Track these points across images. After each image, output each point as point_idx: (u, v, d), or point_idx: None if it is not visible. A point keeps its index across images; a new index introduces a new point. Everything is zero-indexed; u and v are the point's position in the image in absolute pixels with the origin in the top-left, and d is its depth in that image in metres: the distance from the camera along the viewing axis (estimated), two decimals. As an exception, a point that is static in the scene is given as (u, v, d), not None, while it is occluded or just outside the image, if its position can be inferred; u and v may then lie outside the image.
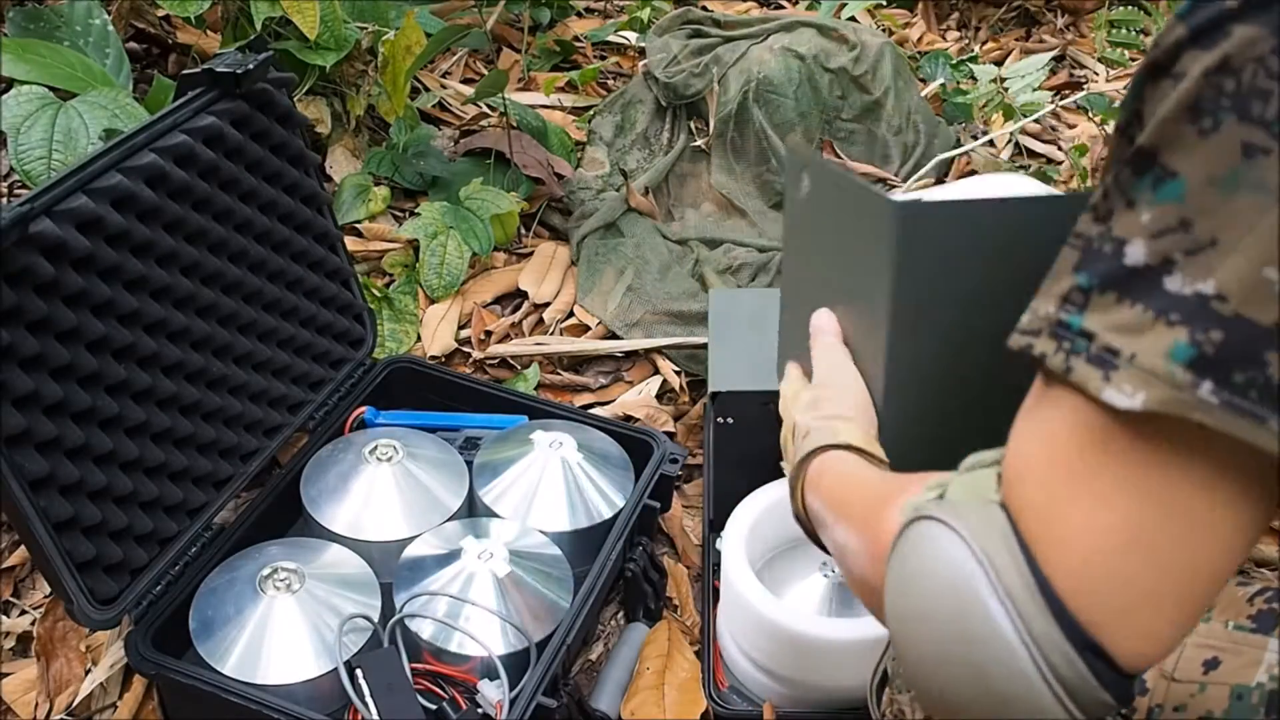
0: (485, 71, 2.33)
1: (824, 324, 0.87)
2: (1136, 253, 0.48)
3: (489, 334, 1.73)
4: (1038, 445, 0.53)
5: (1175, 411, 0.46)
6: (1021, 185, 0.99)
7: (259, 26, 1.66)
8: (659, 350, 1.70)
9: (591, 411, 1.54)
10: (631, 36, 2.52)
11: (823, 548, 0.83)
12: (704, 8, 2.46)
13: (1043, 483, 0.52)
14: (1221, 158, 0.45)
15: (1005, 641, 0.51)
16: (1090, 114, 2.34)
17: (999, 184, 1.10)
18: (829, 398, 0.83)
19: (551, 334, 1.75)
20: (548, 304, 1.80)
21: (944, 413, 0.81)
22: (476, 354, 1.69)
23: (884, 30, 2.60)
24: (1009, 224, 0.74)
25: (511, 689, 1.09)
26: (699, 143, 2.06)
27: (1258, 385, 0.45)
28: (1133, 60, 2.50)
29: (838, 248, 0.86)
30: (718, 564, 1.28)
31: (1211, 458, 0.48)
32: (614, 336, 1.73)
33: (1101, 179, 0.52)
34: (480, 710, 1.10)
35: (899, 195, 1.14)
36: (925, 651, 0.56)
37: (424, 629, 1.14)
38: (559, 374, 1.68)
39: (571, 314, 1.79)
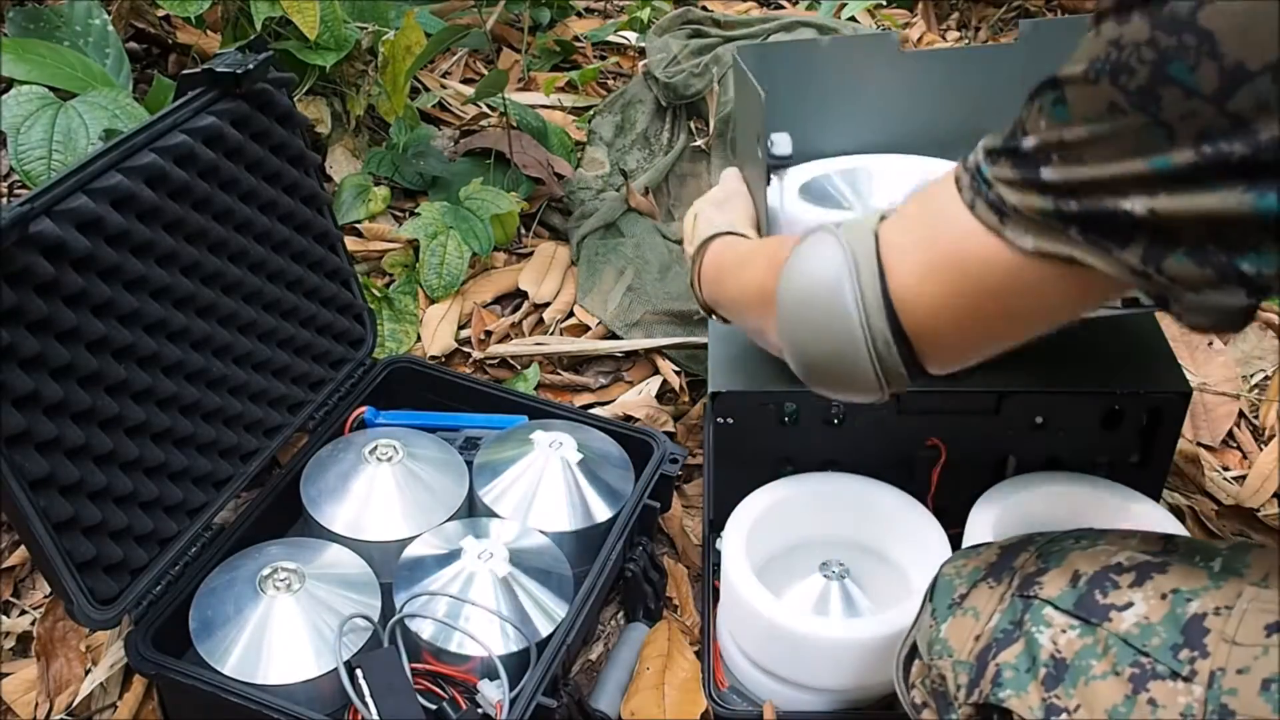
0: (485, 71, 2.33)
1: (732, 170, 1.30)
2: (1030, 143, 0.66)
3: (489, 334, 1.73)
4: (924, 223, 0.74)
5: (1054, 250, 0.66)
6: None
7: (259, 27, 1.66)
8: (659, 350, 1.70)
9: (591, 411, 1.54)
10: (631, 36, 2.51)
11: (710, 311, 1.11)
12: (704, 8, 2.46)
13: (912, 248, 0.74)
14: (1094, 105, 0.62)
15: (850, 320, 0.75)
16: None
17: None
18: (732, 205, 1.19)
19: (551, 334, 1.75)
20: (548, 304, 1.80)
21: None
22: (476, 354, 1.69)
23: (884, 30, 2.60)
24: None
25: (511, 689, 1.09)
26: (699, 143, 2.06)
27: (1109, 229, 0.63)
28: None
29: (744, 125, 1.21)
30: (718, 564, 1.28)
31: (1048, 269, 0.68)
32: (614, 336, 1.73)
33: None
34: (480, 710, 1.10)
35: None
36: (799, 324, 0.80)
37: (424, 629, 1.14)
38: (559, 374, 1.68)
39: (571, 314, 1.79)
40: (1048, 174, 0.65)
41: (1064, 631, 0.79)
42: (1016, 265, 0.69)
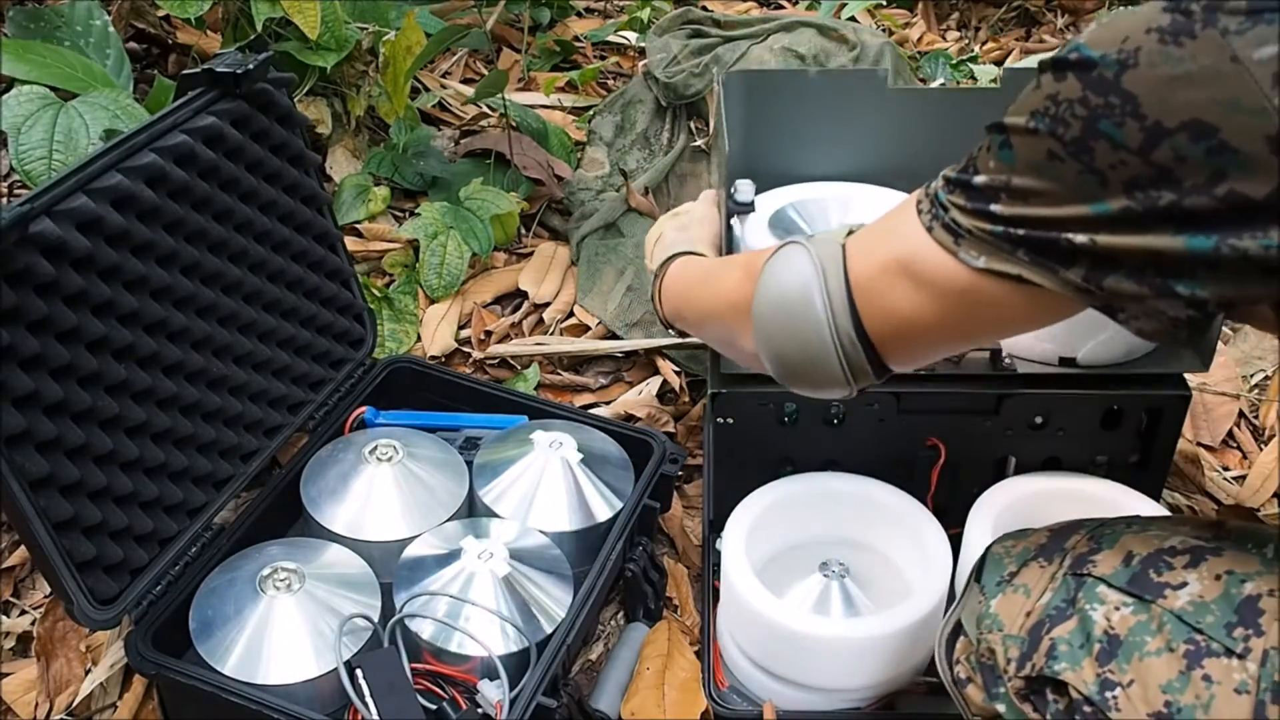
0: (485, 71, 2.33)
1: (710, 192, 1.35)
2: (980, 180, 0.73)
3: (489, 334, 1.73)
4: (880, 243, 0.81)
5: (1003, 269, 0.72)
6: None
7: (259, 27, 1.66)
8: (659, 350, 1.70)
9: (591, 411, 1.54)
10: (631, 36, 2.52)
11: (668, 325, 1.17)
12: (704, 8, 2.46)
13: (874, 263, 0.80)
14: (1035, 153, 0.69)
15: (820, 322, 0.82)
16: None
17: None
18: (699, 228, 1.25)
19: (551, 334, 1.75)
20: (548, 304, 1.80)
21: None
22: (476, 354, 1.69)
23: (884, 30, 2.60)
24: None
25: (511, 689, 1.09)
26: (699, 143, 2.06)
27: (1055, 253, 0.70)
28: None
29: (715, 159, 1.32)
30: (718, 564, 1.28)
31: (997, 287, 0.74)
32: (614, 336, 1.73)
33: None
34: (480, 710, 1.10)
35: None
36: (774, 327, 0.86)
37: (424, 629, 1.14)
38: (559, 374, 1.68)
39: (571, 314, 1.79)
40: (997, 209, 0.72)
41: (1118, 609, 0.80)
42: (968, 281, 0.75)
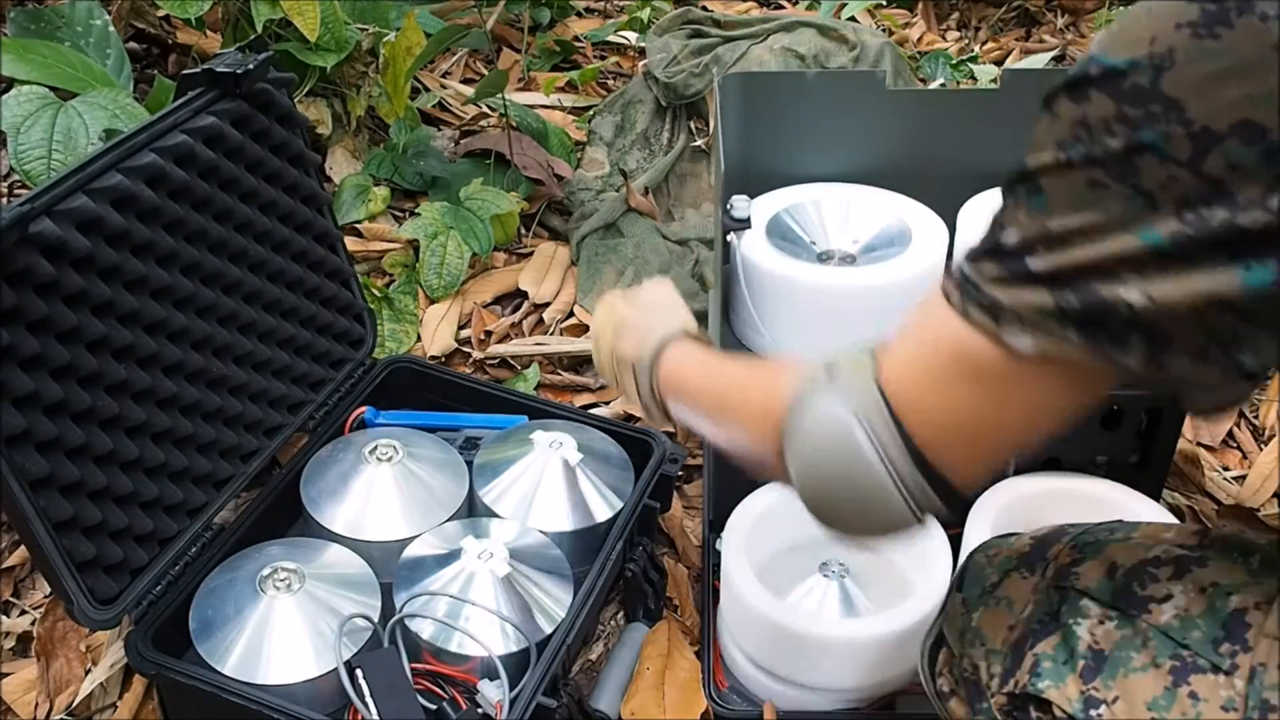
0: (485, 71, 2.33)
1: (663, 279, 1.14)
2: (1012, 238, 0.65)
3: (489, 334, 1.73)
4: (917, 348, 0.73)
5: (1055, 353, 0.64)
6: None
7: (259, 28, 1.66)
8: (659, 350, 1.70)
9: (591, 411, 1.54)
10: (631, 36, 2.52)
11: (670, 421, 1.02)
12: (704, 8, 2.46)
13: (919, 378, 0.71)
14: (1073, 187, 0.62)
15: (879, 476, 0.73)
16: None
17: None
18: (670, 308, 1.05)
19: (551, 334, 1.75)
20: (548, 304, 1.80)
21: None
22: (476, 354, 1.69)
23: (884, 30, 2.60)
24: None
25: (511, 689, 1.09)
26: (699, 143, 2.06)
27: (1108, 328, 0.62)
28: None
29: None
30: (718, 564, 1.28)
31: (1050, 371, 0.66)
32: (614, 336, 1.73)
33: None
34: (480, 710, 1.10)
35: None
36: (819, 487, 0.78)
37: (424, 629, 1.14)
38: (559, 374, 1.68)
39: (571, 314, 1.79)
40: (1035, 264, 0.64)
41: (1102, 623, 0.79)
42: (1018, 367, 0.67)
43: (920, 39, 2.73)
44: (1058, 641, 0.80)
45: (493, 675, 1.10)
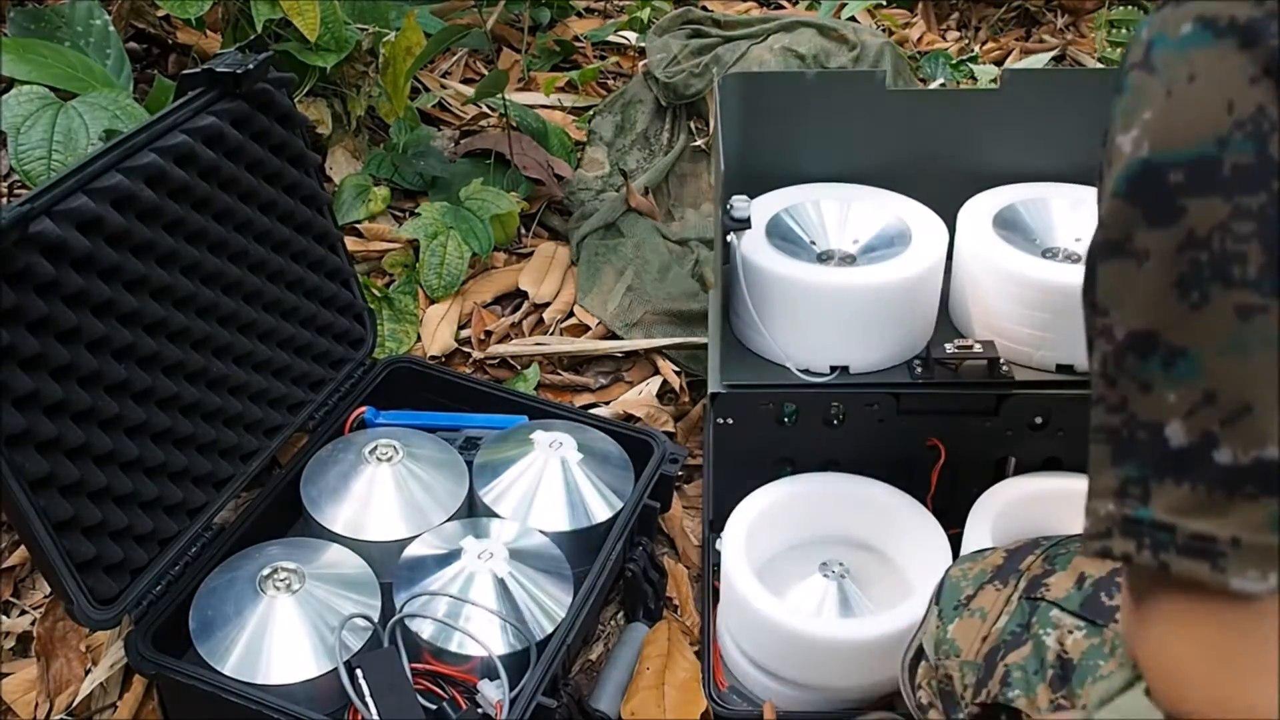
0: (485, 71, 2.33)
1: None
2: (1176, 434, 0.49)
3: (489, 334, 1.73)
4: (1182, 649, 0.53)
5: None
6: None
7: (259, 28, 1.66)
8: (659, 350, 1.70)
9: (591, 411, 1.54)
10: (631, 36, 2.52)
11: None
12: (704, 8, 2.46)
13: (1207, 684, 0.53)
14: (1222, 326, 0.47)
15: None
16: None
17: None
18: None
19: (551, 334, 1.75)
20: (548, 304, 1.80)
21: None
22: (476, 354, 1.69)
23: (884, 30, 2.60)
24: None
25: (511, 689, 1.09)
26: (699, 143, 2.06)
27: None
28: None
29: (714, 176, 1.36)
30: (718, 564, 1.28)
31: None
32: (614, 336, 1.73)
33: (1093, 383, 0.54)
34: (480, 710, 1.10)
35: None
36: None
37: (424, 629, 1.14)
38: (559, 374, 1.68)
39: (571, 314, 1.79)
40: (1222, 457, 0.48)
41: (1070, 633, 0.79)
42: (1258, 609, 0.50)
43: (920, 39, 2.73)
44: (1029, 652, 0.80)
45: (493, 675, 1.10)
